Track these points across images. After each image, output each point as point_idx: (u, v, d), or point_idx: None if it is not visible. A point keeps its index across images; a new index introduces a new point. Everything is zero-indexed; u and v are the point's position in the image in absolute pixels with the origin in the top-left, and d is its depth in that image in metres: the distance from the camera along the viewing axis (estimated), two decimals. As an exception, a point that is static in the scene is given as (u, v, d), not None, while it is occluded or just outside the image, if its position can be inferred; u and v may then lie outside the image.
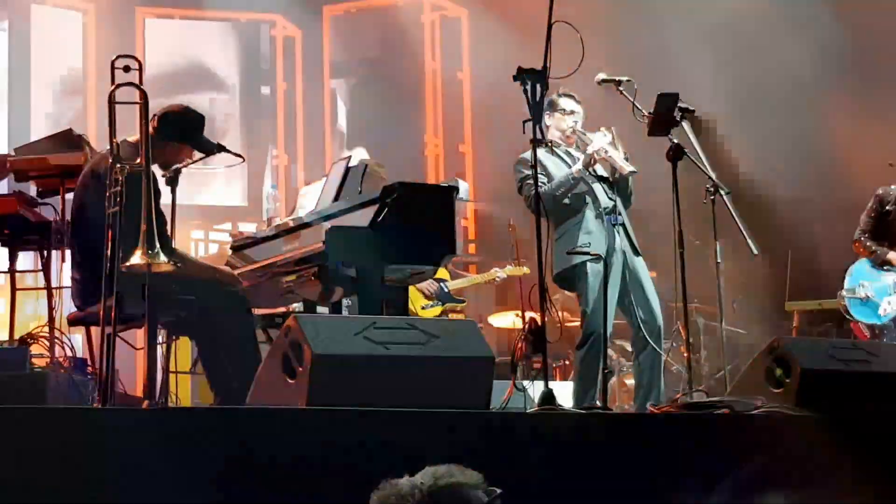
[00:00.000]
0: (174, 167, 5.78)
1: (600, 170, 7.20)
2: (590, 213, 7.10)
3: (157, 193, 5.66)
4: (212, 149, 6.08)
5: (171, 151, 5.97)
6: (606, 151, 7.05)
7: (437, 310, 9.78)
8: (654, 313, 7.12)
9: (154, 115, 5.93)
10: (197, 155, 6.10)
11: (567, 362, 9.63)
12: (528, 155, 7.07)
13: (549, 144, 7.20)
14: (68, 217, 6.91)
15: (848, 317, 8.65)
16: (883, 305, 8.55)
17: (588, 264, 6.99)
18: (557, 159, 7.29)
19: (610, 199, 7.13)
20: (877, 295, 8.58)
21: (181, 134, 6.02)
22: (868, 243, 8.65)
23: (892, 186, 8.67)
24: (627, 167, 7.06)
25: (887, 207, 8.63)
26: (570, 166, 7.20)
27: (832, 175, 9.82)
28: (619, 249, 7.07)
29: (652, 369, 7.09)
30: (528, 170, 6.97)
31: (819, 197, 10.91)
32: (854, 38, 10.77)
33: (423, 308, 9.55)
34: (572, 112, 7.33)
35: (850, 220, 11.13)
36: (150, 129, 5.84)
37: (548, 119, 7.27)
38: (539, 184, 6.99)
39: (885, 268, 8.56)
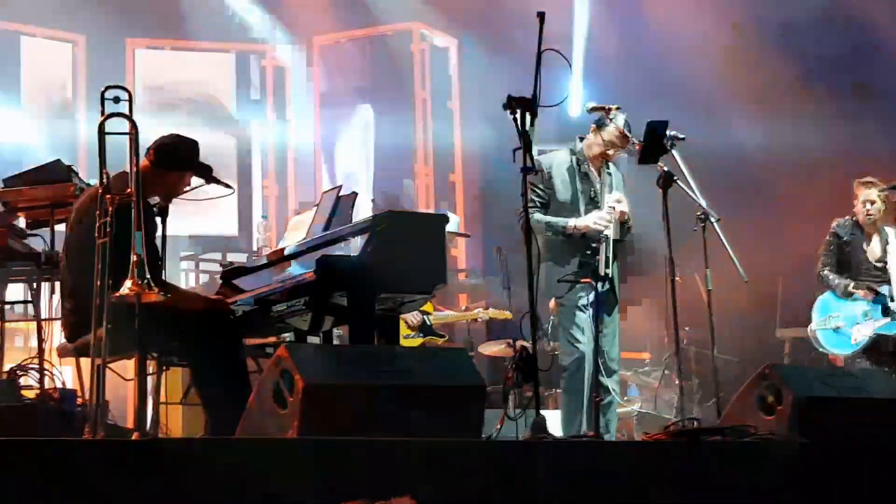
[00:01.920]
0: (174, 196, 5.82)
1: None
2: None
3: (154, 226, 5.67)
4: (209, 174, 6.08)
5: (172, 181, 5.97)
6: (600, 242, 7.06)
7: (418, 341, 9.75)
8: (614, 357, 7.13)
9: (149, 148, 5.93)
10: (194, 181, 6.10)
11: (559, 391, 9.62)
12: (543, 162, 7.12)
13: (576, 157, 7.20)
14: (58, 248, 6.90)
15: (820, 349, 8.68)
16: (854, 334, 8.57)
17: (576, 288, 7.01)
18: (569, 178, 7.25)
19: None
20: (847, 324, 8.61)
21: (181, 162, 6.01)
22: (831, 276, 8.68)
23: (846, 218, 8.72)
24: (603, 269, 7.05)
25: (844, 239, 8.69)
26: (577, 186, 7.18)
27: (824, 201, 9.83)
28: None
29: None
30: (532, 185, 7.01)
31: (810, 222, 10.97)
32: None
33: (404, 338, 9.52)
34: (611, 144, 7.21)
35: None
36: (148, 161, 5.86)
37: (590, 133, 7.25)
38: (535, 204, 7.04)
39: (851, 298, 8.60)
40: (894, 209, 8.64)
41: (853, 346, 8.54)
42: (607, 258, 7.06)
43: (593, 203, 7.20)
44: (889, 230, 8.57)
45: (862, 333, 8.51)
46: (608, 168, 7.30)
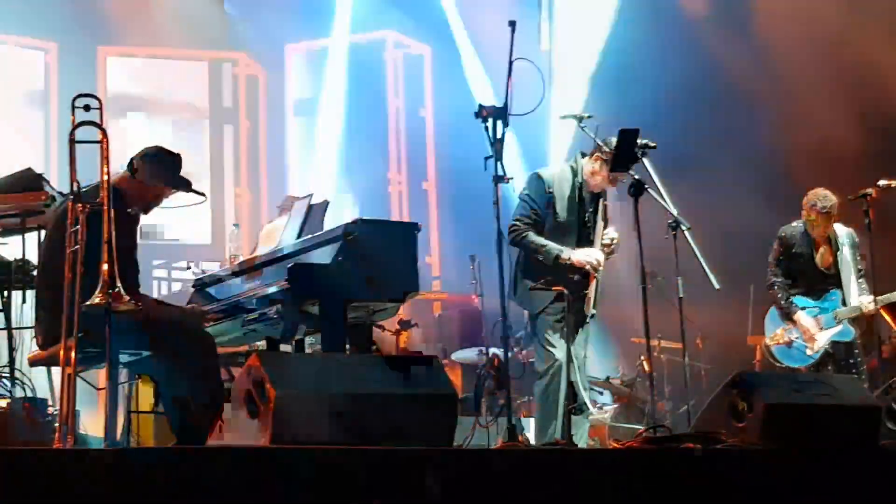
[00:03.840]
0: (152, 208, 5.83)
1: None
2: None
3: (134, 238, 5.68)
4: (189, 188, 6.07)
5: (152, 193, 5.96)
6: (591, 280, 7.05)
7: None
8: (580, 360, 7.13)
9: (132, 159, 5.91)
10: (178, 199, 6.09)
11: (531, 398, 9.64)
12: (545, 175, 7.10)
13: (578, 177, 7.17)
14: (28, 257, 6.88)
15: (777, 364, 8.68)
16: (809, 347, 8.52)
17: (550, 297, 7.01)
18: (569, 202, 7.15)
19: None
20: (800, 336, 8.57)
21: (163, 176, 5.99)
22: (780, 294, 8.64)
23: (796, 224, 8.65)
24: (591, 310, 7.07)
25: (794, 250, 8.61)
26: (576, 213, 7.15)
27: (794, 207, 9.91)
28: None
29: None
30: (530, 198, 7.00)
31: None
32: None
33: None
34: (615, 180, 7.08)
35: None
36: (130, 172, 5.85)
37: (594, 161, 7.13)
38: (530, 220, 7.03)
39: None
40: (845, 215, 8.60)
41: (809, 358, 8.51)
42: (595, 299, 7.05)
43: (587, 231, 7.16)
44: (841, 233, 8.54)
45: (818, 345, 8.48)
46: (604, 196, 7.25)
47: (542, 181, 7.13)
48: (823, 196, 8.43)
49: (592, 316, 7.11)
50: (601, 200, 7.22)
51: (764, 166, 11.45)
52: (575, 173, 7.17)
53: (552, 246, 7.03)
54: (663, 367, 10.30)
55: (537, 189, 7.12)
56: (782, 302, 8.60)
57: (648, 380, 8.07)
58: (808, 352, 8.50)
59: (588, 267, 7.00)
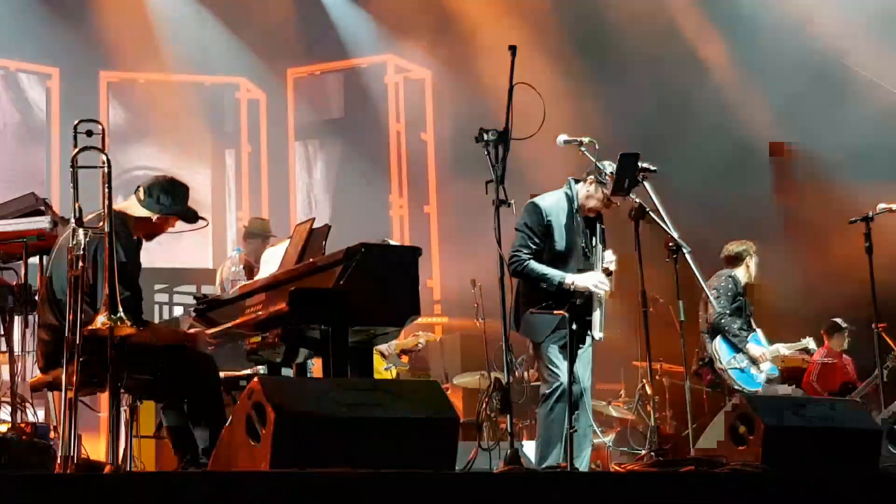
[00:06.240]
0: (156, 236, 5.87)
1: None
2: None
3: (139, 263, 5.70)
4: (196, 219, 6.09)
5: (158, 222, 5.99)
6: (597, 304, 7.04)
7: (393, 372, 9.78)
8: (584, 383, 7.12)
9: (140, 186, 5.94)
10: (179, 224, 6.11)
11: (533, 422, 9.64)
12: (542, 204, 7.10)
13: (574, 203, 7.18)
14: (31, 281, 6.89)
15: (736, 387, 9.00)
16: (756, 372, 9.17)
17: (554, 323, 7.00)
18: (566, 230, 7.13)
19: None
20: (749, 364, 9.17)
21: (170, 206, 6.01)
22: (734, 327, 9.18)
23: (739, 269, 9.37)
24: (598, 334, 7.06)
25: (739, 290, 9.28)
26: (574, 239, 7.13)
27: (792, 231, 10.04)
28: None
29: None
30: (527, 228, 7.00)
31: (780, 253, 11.12)
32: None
33: (384, 369, 9.54)
34: (610, 203, 7.11)
35: (810, 277, 11.35)
36: (137, 199, 5.88)
37: (588, 184, 7.14)
38: (530, 250, 7.03)
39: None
40: None
41: (760, 384, 9.13)
42: (600, 322, 7.05)
43: (585, 256, 7.15)
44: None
45: (765, 368, 9.19)
46: (600, 220, 7.26)
47: (540, 210, 7.11)
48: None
49: (600, 339, 7.07)
50: (598, 225, 7.23)
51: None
52: (570, 200, 7.17)
53: (555, 273, 7.01)
54: (665, 390, 10.31)
55: (535, 219, 7.10)
56: (737, 340, 9.18)
57: (650, 403, 8.08)
58: (758, 380, 9.18)
59: (593, 289, 6.99)
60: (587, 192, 7.15)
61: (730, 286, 9.17)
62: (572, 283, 6.98)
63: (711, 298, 8.43)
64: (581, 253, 7.13)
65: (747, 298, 9.33)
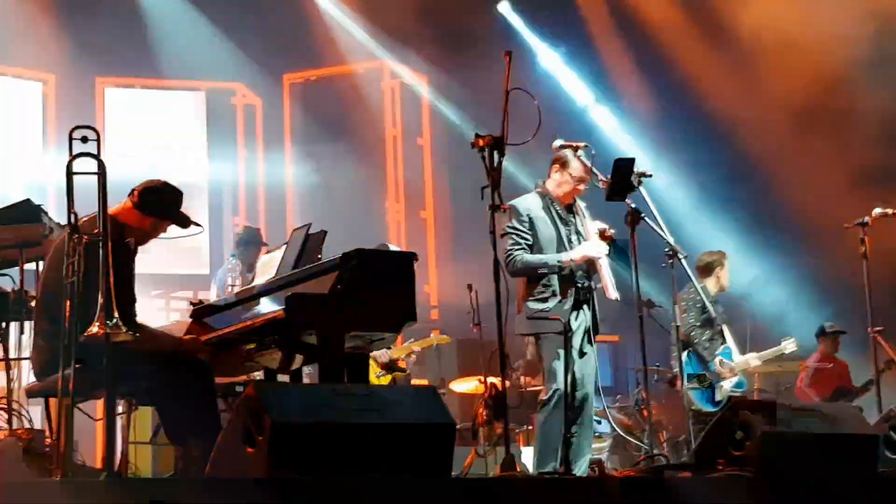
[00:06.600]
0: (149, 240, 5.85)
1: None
2: (559, 280, 7.10)
3: (132, 268, 5.69)
4: (188, 224, 6.09)
5: (151, 226, 5.98)
6: (602, 267, 7.06)
7: (386, 379, 9.75)
8: (586, 387, 7.12)
9: (134, 190, 5.93)
10: (174, 230, 6.10)
11: (529, 427, 9.63)
12: (519, 203, 7.13)
13: (547, 198, 7.21)
14: (27, 287, 6.88)
15: (693, 408, 8.98)
16: (717, 392, 9.10)
17: (551, 326, 7.01)
18: (549, 218, 7.23)
19: (585, 276, 7.15)
20: (715, 381, 9.12)
21: (163, 211, 6.01)
22: (702, 340, 9.16)
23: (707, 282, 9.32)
24: (613, 293, 7.06)
25: (708, 301, 9.09)
26: (557, 228, 7.20)
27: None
28: (581, 324, 7.09)
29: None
30: (512, 228, 7.02)
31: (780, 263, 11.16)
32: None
33: (376, 377, 9.51)
34: (581, 179, 7.21)
35: (807, 283, 11.37)
36: (131, 202, 5.87)
37: (554, 173, 7.26)
38: (521, 246, 7.05)
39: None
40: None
41: (715, 406, 8.95)
42: (611, 281, 7.06)
43: (579, 237, 7.19)
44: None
45: (724, 391, 9.05)
46: (576, 206, 7.30)
47: (517, 209, 7.20)
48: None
49: (616, 299, 7.05)
50: (576, 206, 7.27)
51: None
52: (542, 196, 7.24)
53: (551, 256, 7.10)
54: (662, 394, 10.30)
55: (517, 217, 7.16)
56: (704, 344, 9.16)
57: (646, 408, 8.07)
58: (716, 399, 9.08)
59: (592, 255, 7.02)
60: (556, 181, 7.26)
61: (697, 298, 9.04)
62: (570, 259, 7.04)
63: (678, 312, 8.37)
64: (568, 240, 7.17)
65: (718, 307, 9.20)
